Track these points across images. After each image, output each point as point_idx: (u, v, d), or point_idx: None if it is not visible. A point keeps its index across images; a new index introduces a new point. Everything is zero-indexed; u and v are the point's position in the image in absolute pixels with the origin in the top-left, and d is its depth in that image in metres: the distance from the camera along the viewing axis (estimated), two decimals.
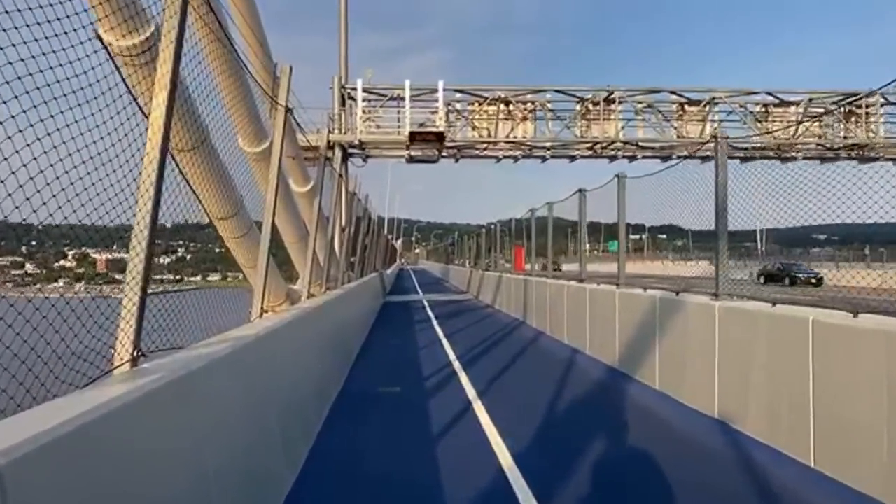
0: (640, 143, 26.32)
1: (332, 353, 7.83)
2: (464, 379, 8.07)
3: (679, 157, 27.42)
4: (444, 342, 11.76)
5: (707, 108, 26.29)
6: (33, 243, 4.17)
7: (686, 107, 26.70)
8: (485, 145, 25.75)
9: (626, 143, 25.75)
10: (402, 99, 24.14)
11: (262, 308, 5.88)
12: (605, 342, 9.15)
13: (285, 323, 5.29)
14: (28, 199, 2.20)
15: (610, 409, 6.60)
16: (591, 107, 26.21)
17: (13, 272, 4.40)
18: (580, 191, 10.56)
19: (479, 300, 23.59)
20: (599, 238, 17.31)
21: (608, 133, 25.78)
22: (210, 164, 5.70)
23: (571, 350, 10.50)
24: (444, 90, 24.09)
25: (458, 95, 25.81)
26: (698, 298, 6.51)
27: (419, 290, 32.43)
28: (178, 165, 4.48)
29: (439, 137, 22.18)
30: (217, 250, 7.85)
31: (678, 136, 26.50)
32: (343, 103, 23.49)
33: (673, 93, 26.09)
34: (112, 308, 2.94)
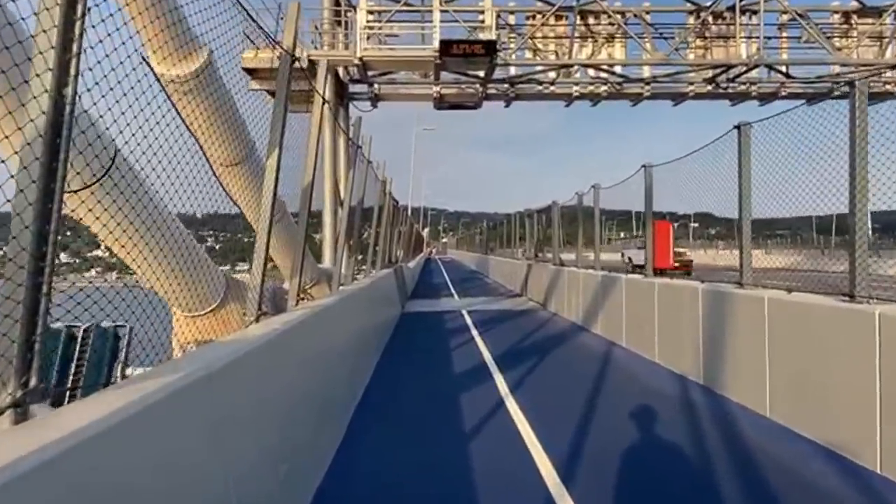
0: (789, 73, 17.31)
1: None
2: None
3: (842, 94, 18.38)
4: None
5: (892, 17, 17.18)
6: (68, 233, 4.33)
7: (856, 17, 17.66)
8: (554, 75, 17.11)
9: (771, 67, 16.76)
10: (429, 10, 15.67)
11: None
12: None
13: None
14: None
15: None
16: (710, 20, 17.35)
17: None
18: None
19: (549, 311, 15.10)
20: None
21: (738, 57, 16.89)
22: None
23: None
24: None
25: (513, 3, 17.24)
26: None
27: (453, 289, 23.91)
28: None
29: (488, 49, 13.60)
30: (246, 240, 6.87)
31: (840, 63, 17.49)
32: (337, 3, 15.06)
33: None
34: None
